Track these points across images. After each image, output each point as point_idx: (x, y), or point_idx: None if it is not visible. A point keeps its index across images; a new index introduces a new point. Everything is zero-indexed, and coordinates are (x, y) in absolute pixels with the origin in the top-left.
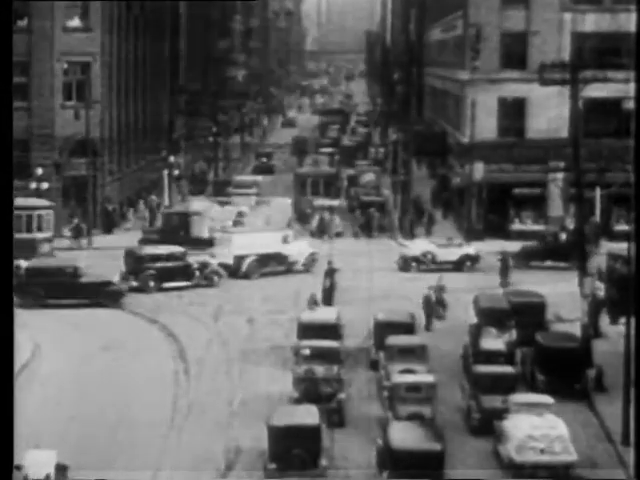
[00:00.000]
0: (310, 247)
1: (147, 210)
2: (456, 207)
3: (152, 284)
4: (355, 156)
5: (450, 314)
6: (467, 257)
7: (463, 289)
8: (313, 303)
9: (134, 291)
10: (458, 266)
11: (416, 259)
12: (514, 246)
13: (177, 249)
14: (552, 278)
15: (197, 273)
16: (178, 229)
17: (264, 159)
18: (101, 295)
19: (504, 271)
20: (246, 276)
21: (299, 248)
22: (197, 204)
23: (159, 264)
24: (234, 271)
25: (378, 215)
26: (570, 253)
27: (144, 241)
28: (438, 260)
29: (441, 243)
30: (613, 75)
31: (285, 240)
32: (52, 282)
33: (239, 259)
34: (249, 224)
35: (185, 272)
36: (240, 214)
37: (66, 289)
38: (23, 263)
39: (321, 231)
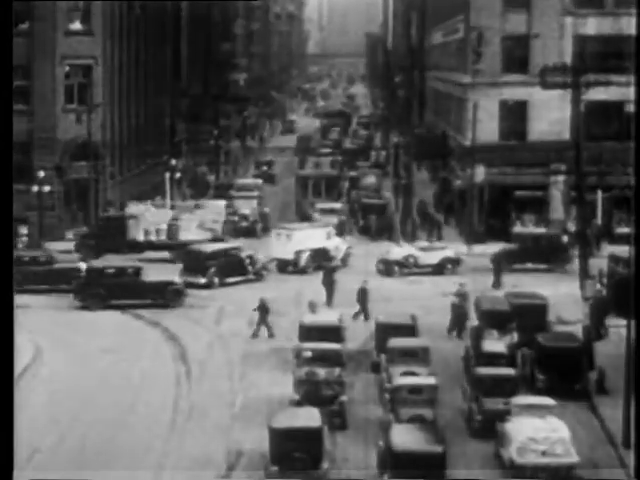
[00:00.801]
0: (345, 243)
1: None
2: (458, 210)
3: (217, 280)
4: (357, 159)
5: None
6: (448, 260)
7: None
8: (313, 308)
9: (199, 288)
10: (439, 269)
11: (399, 263)
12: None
13: (231, 245)
14: (541, 280)
15: (250, 268)
16: (114, 233)
17: (264, 167)
18: (163, 295)
19: (497, 272)
20: (303, 270)
21: (337, 244)
22: (132, 207)
23: (221, 260)
24: (292, 265)
25: (388, 220)
26: (550, 255)
27: (80, 245)
28: (420, 264)
29: (422, 246)
30: (615, 78)
31: (328, 236)
32: (114, 283)
33: (298, 254)
34: (184, 227)
35: (240, 267)
36: (175, 217)
37: (128, 289)
38: (83, 265)
39: (341, 232)
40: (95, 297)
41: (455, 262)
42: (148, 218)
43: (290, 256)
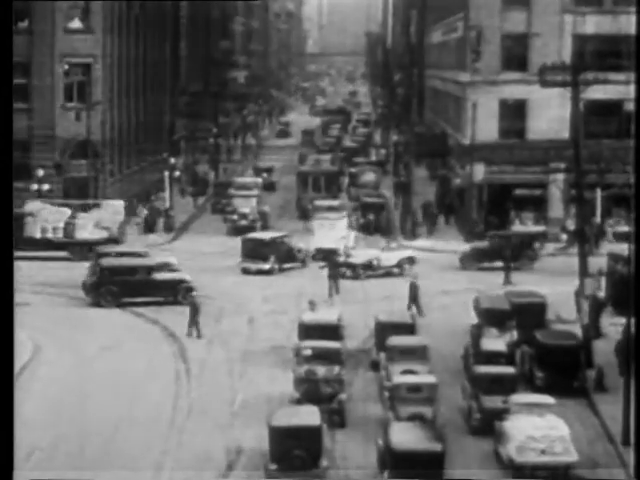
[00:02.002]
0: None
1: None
2: (457, 208)
3: (276, 266)
4: (356, 156)
5: (450, 314)
6: (406, 260)
7: (462, 290)
8: (312, 306)
9: (262, 273)
10: (398, 269)
11: (365, 266)
12: None
13: (283, 234)
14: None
15: (299, 255)
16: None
17: (264, 174)
18: (175, 293)
19: (507, 270)
20: None
21: (351, 234)
22: (30, 205)
23: (279, 248)
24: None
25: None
26: (519, 254)
27: None
28: (383, 265)
29: (383, 247)
30: (614, 77)
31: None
32: (126, 281)
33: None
34: (81, 226)
35: (292, 255)
36: (73, 215)
37: (140, 287)
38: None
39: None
40: (107, 295)
41: (411, 261)
42: (45, 216)
43: (334, 245)
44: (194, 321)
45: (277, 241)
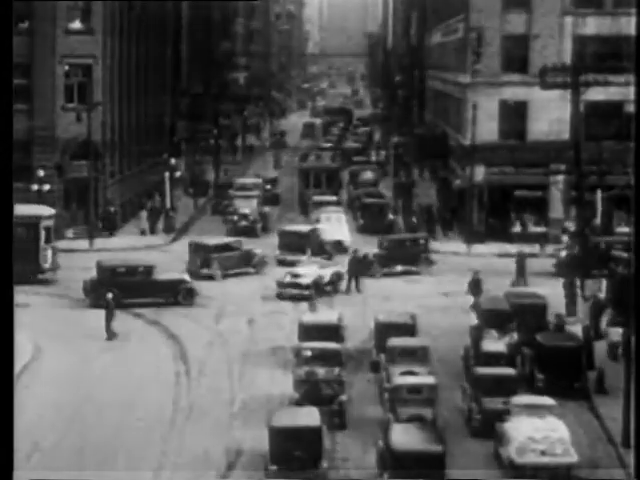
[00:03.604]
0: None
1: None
2: (457, 210)
3: (312, 258)
4: (357, 156)
5: (450, 315)
6: (335, 276)
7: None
8: (313, 307)
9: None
10: (330, 287)
11: (314, 285)
12: (516, 248)
13: (315, 227)
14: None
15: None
16: None
17: (268, 186)
18: (175, 293)
19: (520, 271)
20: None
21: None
22: None
23: (314, 241)
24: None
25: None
26: (417, 258)
27: None
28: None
29: (321, 263)
30: (614, 78)
31: None
32: (126, 281)
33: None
34: None
35: (323, 247)
36: None
37: (140, 288)
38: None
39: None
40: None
41: (339, 277)
42: None
43: (343, 238)
44: (109, 322)
45: (312, 234)
